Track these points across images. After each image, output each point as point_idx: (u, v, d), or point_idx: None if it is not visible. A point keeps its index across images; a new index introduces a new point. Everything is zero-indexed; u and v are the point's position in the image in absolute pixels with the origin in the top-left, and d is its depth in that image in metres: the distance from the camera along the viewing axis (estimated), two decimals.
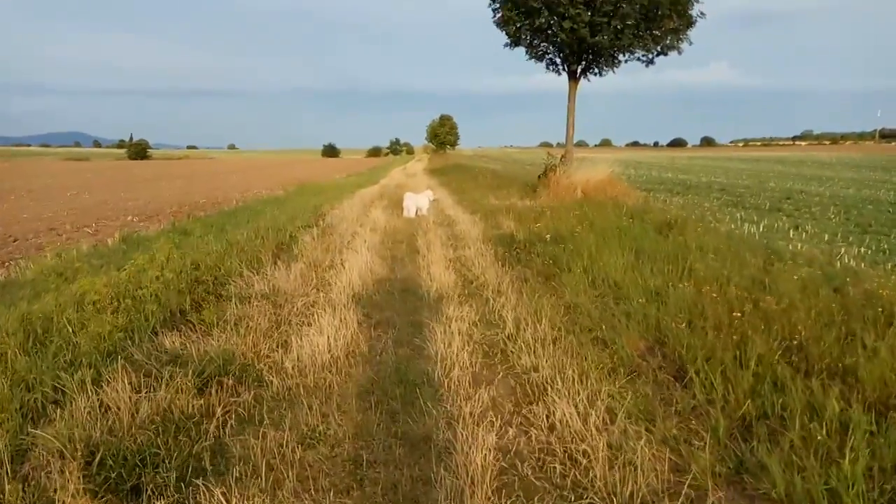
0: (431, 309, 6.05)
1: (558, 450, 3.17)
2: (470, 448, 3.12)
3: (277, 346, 4.86)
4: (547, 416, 3.51)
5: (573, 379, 3.90)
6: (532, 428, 3.44)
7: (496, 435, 3.32)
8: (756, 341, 3.86)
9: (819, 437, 2.81)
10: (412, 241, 10.14)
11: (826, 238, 9.65)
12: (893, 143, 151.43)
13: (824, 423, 2.93)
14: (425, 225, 11.92)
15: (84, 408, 3.62)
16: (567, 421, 3.37)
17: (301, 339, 4.93)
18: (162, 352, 4.63)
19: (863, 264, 7.04)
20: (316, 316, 5.49)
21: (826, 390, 3.23)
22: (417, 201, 13.71)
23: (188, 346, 4.71)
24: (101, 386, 3.89)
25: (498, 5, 15.62)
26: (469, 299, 6.37)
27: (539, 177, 20.87)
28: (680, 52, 14.55)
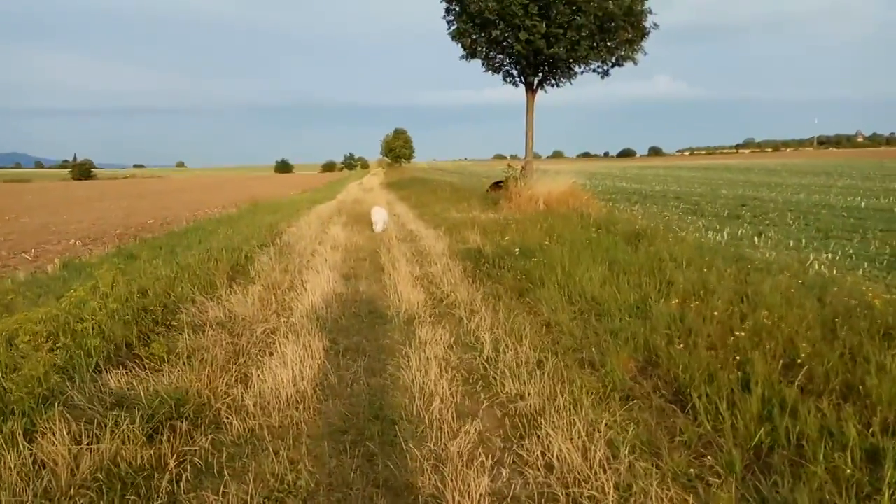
0: (402, 332, 5.68)
1: (560, 494, 2.83)
2: (462, 497, 2.78)
3: (236, 381, 4.40)
4: (542, 453, 3.18)
5: (565, 408, 3.59)
6: (528, 468, 3.10)
7: (489, 478, 2.97)
8: (756, 361, 3.63)
9: (847, 470, 2.56)
10: (375, 258, 9.75)
11: (791, 244, 9.68)
12: (830, 149, 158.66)
13: (848, 452, 2.69)
14: (388, 241, 11.54)
15: (14, 466, 3.13)
16: (566, 458, 3.05)
17: (263, 371, 4.49)
18: (106, 393, 4.13)
19: (835, 270, 6.99)
20: (278, 345, 5.06)
21: (839, 413, 3.01)
22: (384, 215, 13.75)
23: (136, 385, 4.23)
24: (35, 438, 3.40)
25: (452, 18, 15.45)
26: (441, 319, 6.03)
27: (488, 189, 20.78)
28: (636, 63, 14.66)
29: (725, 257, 7.43)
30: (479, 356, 4.83)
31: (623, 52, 14.35)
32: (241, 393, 4.19)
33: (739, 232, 11.23)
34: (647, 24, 14.21)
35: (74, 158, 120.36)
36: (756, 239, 10.28)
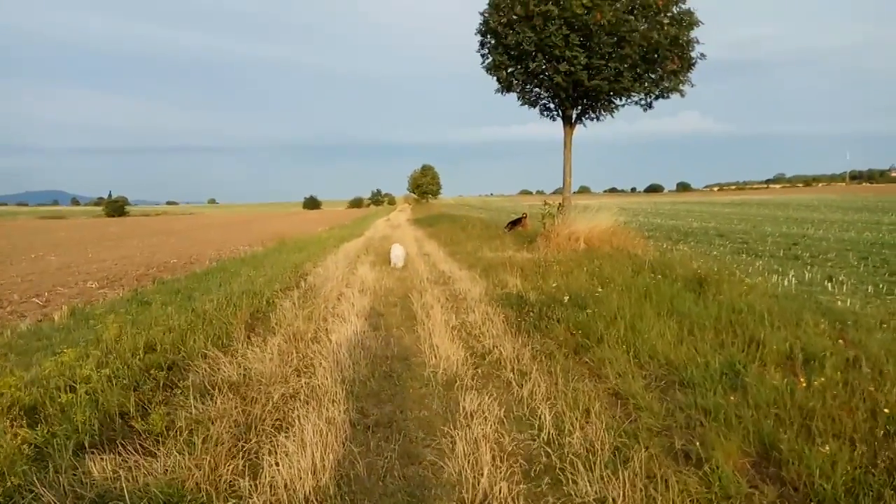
0: (442, 399, 4.84)
1: None
2: None
3: (244, 470, 3.58)
4: None
5: None
6: None
7: None
8: None
9: None
10: (407, 304, 8.94)
11: (869, 290, 8.65)
12: (863, 184, 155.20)
13: None
14: (419, 283, 10.74)
15: None
16: None
17: (277, 454, 3.68)
18: (87, 486, 3.37)
19: None
20: (297, 416, 4.28)
21: None
22: (401, 252, 13.88)
23: (122, 475, 3.45)
24: None
25: (487, 50, 14.90)
26: (486, 382, 5.19)
27: (505, 228, 20.26)
28: (682, 95, 13.85)
29: (805, 308, 6.47)
30: (538, 437, 3.96)
31: (669, 84, 13.58)
32: (249, 487, 3.37)
33: (806, 276, 10.20)
34: (693, 54, 13.47)
35: (109, 195, 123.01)
36: (828, 284, 9.26)
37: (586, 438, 3.79)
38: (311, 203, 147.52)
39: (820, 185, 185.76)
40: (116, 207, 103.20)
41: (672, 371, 4.84)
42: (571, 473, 3.35)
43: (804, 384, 3.95)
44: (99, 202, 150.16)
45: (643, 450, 3.50)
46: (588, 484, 3.23)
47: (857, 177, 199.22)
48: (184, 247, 24.34)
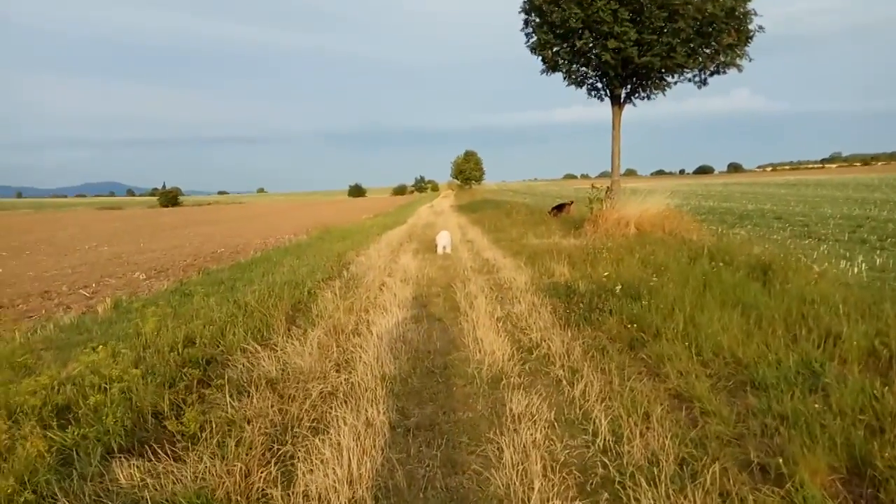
0: (486, 399, 4.54)
1: None
2: None
3: (277, 478, 3.37)
4: None
5: None
6: None
7: None
8: None
9: None
10: (450, 294, 8.64)
11: None
12: None
13: None
14: (462, 272, 10.44)
15: None
16: None
17: (312, 461, 3.46)
18: (113, 494, 3.21)
19: None
20: (334, 417, 4.05)
21: None
22: (447, 239, 13.87)
23: (150, 482, 3.28)
24: None
25: (531, 29, 14.35)
26: (534, 380, 4.86)
27: (549, 212, 19.77)
28: (740, 70, 13.02)
29: (890, 298, 5.89)
30: (594, 444, 3.62)
31: (725, 59, 12.79)
32: (281, 497, 3.15)
33: (877, 261, 9.46)
34: (751, 27, 12.64)
35: (163, 186, 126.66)
36: None
37: (647, 447, 3.43)
38: (356, 191, 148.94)
39: (879, 163, 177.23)
40: (170, 198, 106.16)
41: (740, 370, 4.41)
42: (633, 489, 3.00)
43: None
44: (153, 193, 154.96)
45: (713, 462, 3.12)
46: (652, 502, 2.88)
47: None
48: (231, 236, 24.67)
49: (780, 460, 3.01)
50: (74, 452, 3.55)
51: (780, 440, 3.27)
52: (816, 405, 3.50)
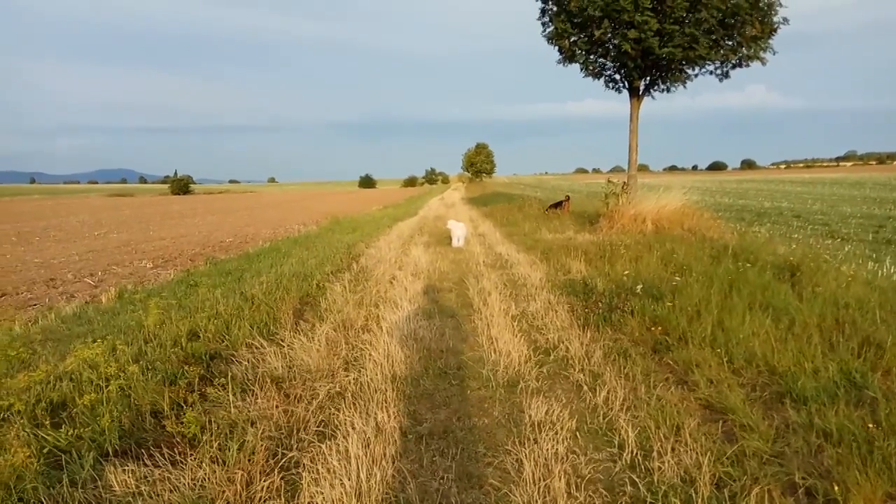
0: (503, 404, 4.29)
1: None
2: None
3: (280, 489, 3.14)
4: None
5: None
6: None
7: None
8: None
9: None
10: (462, 290, 8.39)
11: None
12: None
13: None
14: (475, 267, 10.19)
15: None
16: None
17: (318, 470, 3.23)
18: (106, 502, 2.99)
19: None
20: (342, 421, 3.83)
21: None
22: (463, 230, 13.45)
23: (144, 490, 3.06)
24: None
25: (548, 18, 14.00)
26: (552, 384, 4.62)
27: (546, 210, 19.47)
28: (764, 63, 12.65)
29: None
30: (620, 458, 3.36)
31: (748, 52, 12.41)
32: None
33: None
34: (776, 19, 12.25)
35: (175, 174, 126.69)
36: None
37: (680, 464, 3.17)
38: (367, 182, 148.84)
39: (895, 162, 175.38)
40: (181, 186, 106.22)
41: (775, 379, 4.13)
42: None
43: None
44: (165, 181, 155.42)
45: (754, 483, 2.86)
46: None
47: None
48: (240, 225, 24.52)
49: (834, 485, 2.74)
50: (66, 455, 3.34)
51: (827, 460, 3.00)
52: (863, 421, 3.23)
